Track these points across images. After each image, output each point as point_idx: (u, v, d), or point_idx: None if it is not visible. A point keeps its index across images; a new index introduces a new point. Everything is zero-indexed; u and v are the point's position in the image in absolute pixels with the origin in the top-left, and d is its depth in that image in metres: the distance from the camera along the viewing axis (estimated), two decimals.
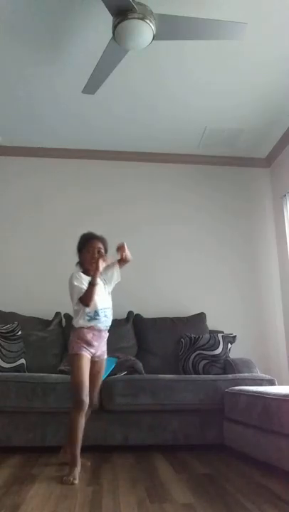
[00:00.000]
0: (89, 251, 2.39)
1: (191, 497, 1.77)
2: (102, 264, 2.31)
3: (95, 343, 2.29)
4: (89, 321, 2.28)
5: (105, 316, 2.33)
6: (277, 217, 4.24)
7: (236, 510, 1.62)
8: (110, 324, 2.38)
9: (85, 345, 2.26)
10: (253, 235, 4.26)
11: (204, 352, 3.26)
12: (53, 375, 2.86)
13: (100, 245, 2.40)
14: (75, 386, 2.19)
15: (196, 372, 3.20)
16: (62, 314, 3.66)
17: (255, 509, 1.62)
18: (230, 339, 3.35)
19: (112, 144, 4.16)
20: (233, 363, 3.16)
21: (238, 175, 4.39)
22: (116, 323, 3.54)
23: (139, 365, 3.10)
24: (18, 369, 3.09)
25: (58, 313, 3.66)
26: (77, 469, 2.07)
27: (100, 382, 2.41)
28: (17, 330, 3.24)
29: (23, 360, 3.15)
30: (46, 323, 3.57)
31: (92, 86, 2.92)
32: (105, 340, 2.37)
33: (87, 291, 2.25)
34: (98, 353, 2.33)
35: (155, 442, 2.69)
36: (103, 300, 2.35)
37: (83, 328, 2.28)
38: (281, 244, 4.12)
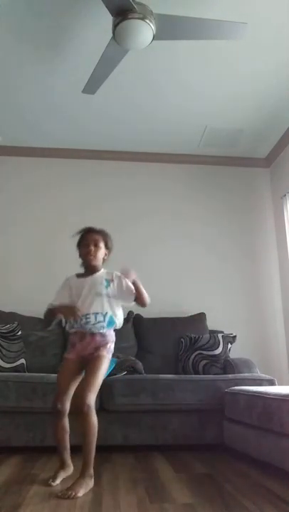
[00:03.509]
0: (85, 244, 2.26)
1: (191, 497, 1.77)
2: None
3: (78, 346, 2.16)
4: (71, 327, 2.22)
5: (87, 322, 2.13)
6: (277, 217, 4.24)
7: (236, 510, 1.62)
8: (102, 326, 2.15)
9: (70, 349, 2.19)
10: (253, 235, 4.26)
11: (204, 352, 3.26)
12: (53, 375, 2.84)
13: (98, 237, 2.26)
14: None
15: (196, 372, 3.20)
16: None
17: (255, 509, 1.62)
18: (230, 339, 3.34)
19: (112, 144, 4.16)
20: (233, 363, 3.16)
21: (238, 175, 4.39)
22: None
23: (139, 365, 3.10)
24: (18, 369, 3.09)
25: None
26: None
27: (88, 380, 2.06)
28: (17, 330, 3.24)
29: (23, 360, 3.15)
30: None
31: (92, 86, 2.92)
32: (95, 342, 2.14)
33: (46, 313, 2.24)
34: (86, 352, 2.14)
35: (155, 442, 2.69)
36: (89, 305, 2.15)
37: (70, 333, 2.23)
38: (281, 244, 4.11)
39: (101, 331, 2.14)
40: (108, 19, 2.40)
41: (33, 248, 3.98)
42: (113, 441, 2.68)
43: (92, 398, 1.95)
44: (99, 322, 2.14)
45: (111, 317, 2.18)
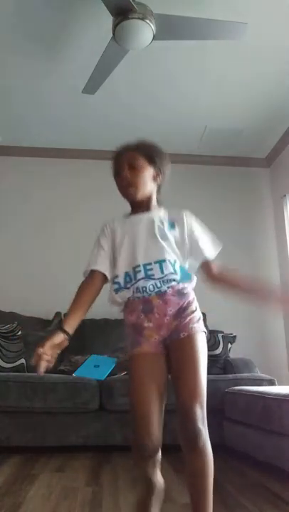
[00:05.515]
0: (119, 173, 1.54)
1: None
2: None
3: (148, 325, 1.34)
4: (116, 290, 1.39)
5: (148, 277, 1.37)
6: (277, 217, 4.23)
7: (236, 510, 1.62)
8: (173, 279, 1.40)
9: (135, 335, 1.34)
10: (252, 235, 4.26)
11: None
12: (53, 375, 2.85)
13: (131, 155, 1.56)
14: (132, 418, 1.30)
15: None
16: (62, 314, 3.65)
17: (255, 509, 1.62)
18: (230, 339, 3.35)
19: (111, 144, 4.13)
20: (233, 363, 3.16)
21: (238, 175, 4.39)
22: (116, 324, 3.56)
23: None
24: (18, 369, 3.09)
25: (58, 313, 3.66)
26: None
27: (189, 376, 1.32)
28: (17, 330, 3.24)
29: (23, 360, 3.15)
30: (46, 323, 3.57)
31: (92, 86, 2.92)
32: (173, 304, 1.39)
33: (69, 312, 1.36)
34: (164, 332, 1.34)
35: None
36: (150, 252, 1.40)
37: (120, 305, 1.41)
38: (281, 244, 4.11)
39: (173, 284, 1.39)
40: (108, 19, 2.40)
41: (33, 248, 3.97)
42: (113, 441, 2.68)
43: (203, 415, 1.23)
44: (167, 274, 1.38)
45: (182, 268, 1.44)
